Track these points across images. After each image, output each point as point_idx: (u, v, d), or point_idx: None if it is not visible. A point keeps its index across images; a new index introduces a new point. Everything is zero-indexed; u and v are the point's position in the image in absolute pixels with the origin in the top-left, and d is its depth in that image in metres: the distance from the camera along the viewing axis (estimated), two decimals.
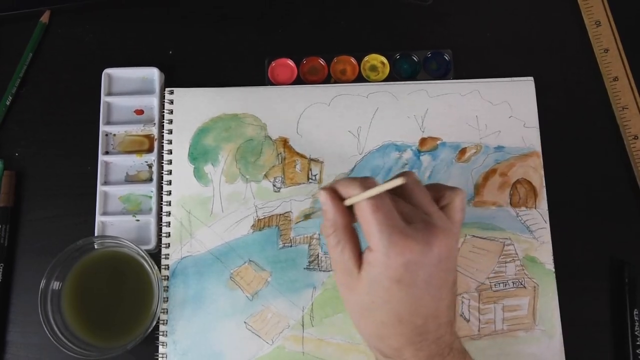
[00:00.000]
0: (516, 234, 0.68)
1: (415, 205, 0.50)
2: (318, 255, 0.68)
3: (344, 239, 0.50)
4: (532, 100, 0.72)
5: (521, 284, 0.67)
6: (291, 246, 0.68)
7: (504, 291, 0.67)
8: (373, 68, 0.75)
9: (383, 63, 0.75)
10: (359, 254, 0.50)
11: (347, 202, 0.50)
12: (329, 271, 0.68)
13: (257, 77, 0.75)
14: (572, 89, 0.74)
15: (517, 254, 0.68)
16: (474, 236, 0.68)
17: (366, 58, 0.75)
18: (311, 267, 0.68)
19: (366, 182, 0.48)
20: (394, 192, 0.49)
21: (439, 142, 0.71)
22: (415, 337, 0.49)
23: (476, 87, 0.72)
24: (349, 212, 0.50)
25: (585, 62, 0.75)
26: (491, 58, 0.75)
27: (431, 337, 0.49)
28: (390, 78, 0.74)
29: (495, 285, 0.67)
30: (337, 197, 0.50)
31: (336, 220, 0.50)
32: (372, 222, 0.47)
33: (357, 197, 0.48)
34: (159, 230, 0.69)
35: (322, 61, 0.75)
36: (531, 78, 0.72)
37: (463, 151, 0.70)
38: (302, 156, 0.71)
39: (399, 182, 0.46)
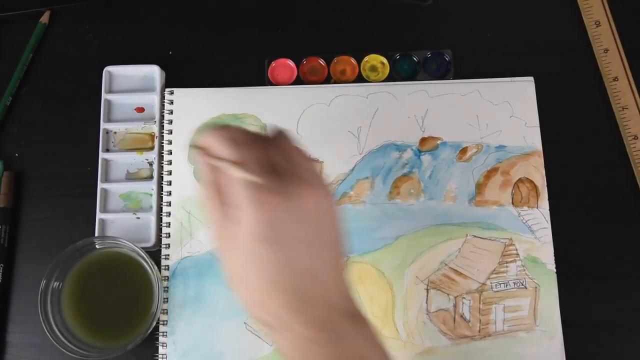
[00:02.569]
0: (517, 234, 0.68)
1: (286, 157, 0.47)
2: None
3: (210, 191, 0.48)
4: (533, 100, 0.72)
5: (522, 285, 0.67)
6: None
7: (505, 292, 0.67)
8: (373, 68, 0.75)
9: (383, 63, 0.74)
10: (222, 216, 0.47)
11: (214, 163, 0.47)
12: None
13: (257, 77, 0.75)
14: (572, 89, 0.74)
15: (518, 254, 0.68)
16: (475, 236, 0.68)
17: (366, 58, 0.75)
18: None
19: (235, 147, 0.46)
20: (266, 141, 0.48)
21: (439, 141, 0.71)
22: (296, 301, 0.45)
23: (476, 87, 0.72)
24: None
25: (585, 62, 0.75)
26: (491, 58, 0.75)
27: (314, 301, 0.45)
28: (390, 78, 0.74)
29: (496, 285, 0.67)
30: (202, 150, 0.48)
31: (207, 176, 0.48)
32: (237, 179, 0.45)
33: (220, 163, 0.46)
34: (159, 228, 0.69)
35: (322, 61, 0.75)
36: (531, 78, 0.72)
37: (464, 150, 0.70)
38: None
39: (254, 179, 0.44)
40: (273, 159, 0.47)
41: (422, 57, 0.75)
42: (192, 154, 0.50)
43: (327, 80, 0.74)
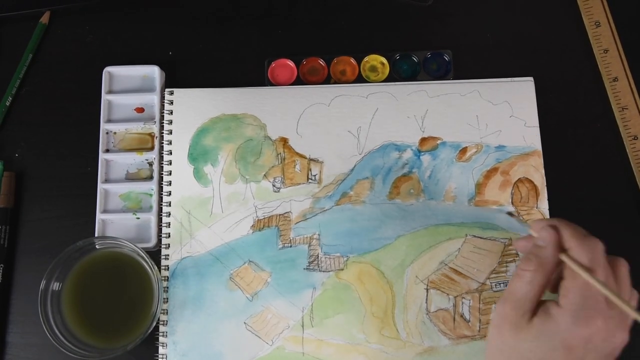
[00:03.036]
0: (517, 234, 0.68)
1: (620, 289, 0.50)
2: (318, 255, 0.68)
3: (541, 279, 0.49)
4: (532, 100, 0.72)
5: None
6: (291, 246, 0.68)
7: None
8: (373, 69, 0.75)
9: (383, 64, 0.74)
10: (539, 299, 0.50)
11: (568, 262, 0.49)
12: (329, 272, 0.67)
13: (257, 77, 0.75)
14: (572, 89, 0.74)
15: (517, 254, 0.68)
16: (474, 236, 0.68)
17: (366, 59, 0.75)
18: (311, 267, 0.68)
19: (595, 257, 0.48)
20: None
21: (439, 141, 0.71)
22: None
23: (476, 87, 0.72)
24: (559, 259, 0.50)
25: (585, 62, 0.75)
26: (491, 58, 0.75)
27: None
28: (390, 79, 0.74)
29: (495, 285, 0.67)
30: (559, 241, 0.50)
31: (547, 258, 0.50)
32: (579, 282, 0.47)
33: (577, 268, 0.48)
34: (160, 228, 0.69)
35: (321, 62, 0.75)
36: (531, 78, 0.72)
37: (464, 150, 0.70)
38: (301, 156, 0.71)
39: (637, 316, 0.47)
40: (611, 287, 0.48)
41: (422, 57, 0.75)
42: (550, 241, 0.50)
43: (327, 80, 0.74)
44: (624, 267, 0.51)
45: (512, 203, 0.69)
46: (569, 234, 0.50)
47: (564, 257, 0.49)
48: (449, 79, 0.73)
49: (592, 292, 0.47)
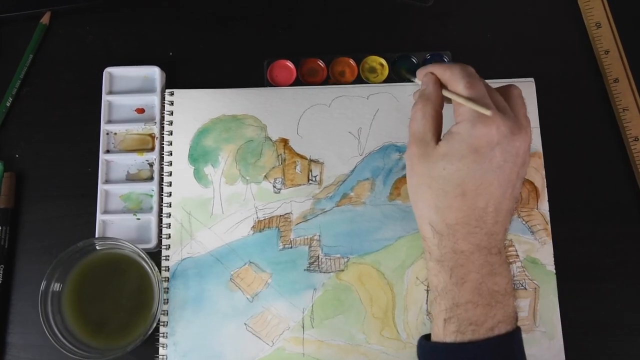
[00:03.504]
0: (517, 235, 0.68)
1: (511, 105, 0.55)
2: (318, 256, 0.68)
3: (430, 110, 0.55)
4: (533, 101, 0.72)
5: (522, 286, 0.67)
6: (291, 247, 0.68)
7: None
8: (372, 70, 0.75)
9: (382, 65, 0.74)
10: (438, 132, 0.55)
11: (446, 94, 0.56)
12: (329, 273, 0.67)
13: (257, 78, 0.75)
14: (572, 90, 0.74)
15: (518, 255, 0.68)
16: None
17: (365, 59, 0.75)
18: (311, 268, 0.68)
19: (472, 82, 0.53)
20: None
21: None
22: (472, 219, 0.51)
23: None
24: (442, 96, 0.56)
25: (586, 63, 0.75)
26: (492, 59, 0.75)
27: (486, 228, 0.52)
28: (389, 80, 0.74)
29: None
30: (437, 79, 0.57)
31: (430, 94, 0.56)
32: (464, 96, 0.52)
33: (457, 97, 0.53)
34: (160, 229, 0.69)
35: (321, 63, 0.75)
36: (532, 79, 0.72)
37: None
38: (302, 157, 0.71)
39: (486, 112, 0.50)
40: (496, 100, 0.54)
41: (421, 58, 0.74)
42: (427, 79, 0.57)
43: (326, 81, 0.74)
44: (515, 90, 0.57)
45: None
46: (441, 72, 0.56)
47: (444, 92, 0.56)
48: None
49: (477, 96, 0.52)
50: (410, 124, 0.57)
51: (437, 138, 0.54)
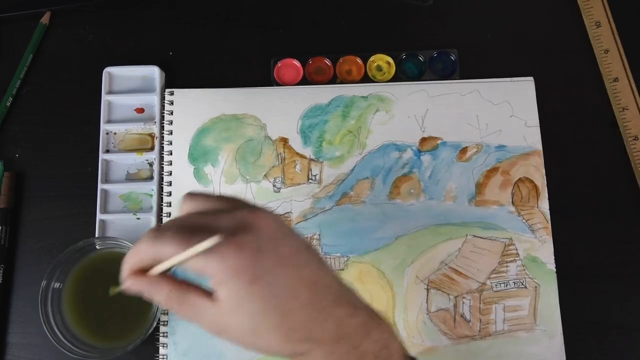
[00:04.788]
0: (517, 234, 0.68)
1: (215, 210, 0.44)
2: None
3: (185, 300, 0.44)
4: (533, 100, 0.72)
5: (522, 284, 0.67)
6: None
7: (505, 291, 0.67)
8: (379, 68, 0.75)
9: (389, 63, 0.74)
10: (202, 292, 0.44)
11: (156, 271, 0.44)
12: None
13: (263, 77, 0.75)
14: (572, 90, 0.74)
15: (518, 254, 0.68)
16: (475, 236, 0.68)
17: (372, 58, 0.75)
18: None
19: (156, 244, 0.42)
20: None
21: (439, 141, 0.71)
22: (299, 340, 0.43)
23: (476, 87, 0.72)
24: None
25: (586, 63, 0.75)
26: (492, 59, 0.75)
27: (328, 339, 0.43)
28: (396, 78, 0.74)
29: (496, 285, 0.67)
30: (142, 273, 0.44)
31: (165, 294, 0.44)
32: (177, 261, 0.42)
33: (166, 264, 0.43)
34: None
35: (327, 61, 0.75)
36: (531, 78, 0.72)
37: (464, 150, 0.70)
38: (302, 156, 0.71)
39: (207, 244, 0.40)
40: (207, 213, 0.44)
41: (428, 56, 0.74)
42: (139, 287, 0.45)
43: (333, 80, 0.74)
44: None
45: (513, 203, 0.69)
46: (134, 256, 0.44)
47: (157, 270, 0.44)
48: (455, 79, 0.73)
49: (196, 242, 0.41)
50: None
51: (207, 294, 0.44)
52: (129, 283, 0.45)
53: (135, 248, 0.44)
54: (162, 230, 0.43)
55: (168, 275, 0.44)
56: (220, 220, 0.42)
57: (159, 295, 0.44)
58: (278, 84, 0.74)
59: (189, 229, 0.42)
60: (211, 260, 0.41)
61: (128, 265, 0.44)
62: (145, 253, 0.43)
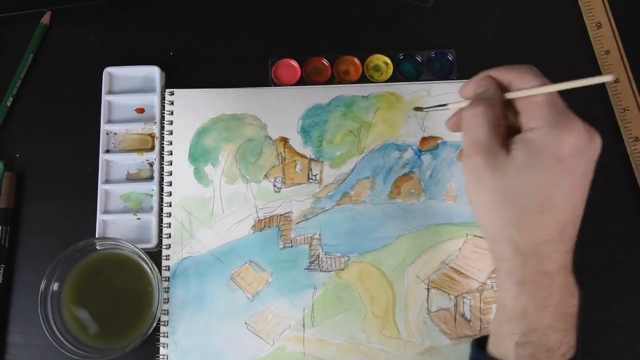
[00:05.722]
0: None
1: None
2: (319, 255, 0.68)
3: (493, 115, 0.47)
4: None
5: None
6: (292, 247, 0.68)
7: None
8: (377, 68, 0.75)
9: (386, 63, 0.75)
10: (504, 140, 0.47)
11: (512, 96, 0.49)
12: (330, 272, 0.67)
13: (261, 78, 0.75)
14: (573, 91, 0.74)
15: None
16: (475, 236, 0.68)
17: (369, 58, 0.75)
18: (312, 267, 0.68)
19: (538, 76, 0.48)
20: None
21: (439, 141, 0.71)
22: (557, 235, 0.46)
23: None
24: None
25: (587, 63, 0.75)
26: (492, 59, 0.74)
27: (567, 244, 0.47)
28: (393, 78, 0.74)
29: (496, 285, 0.67)
30: (497, 82, 0.50)
31: (492, 96, 0.49)
32: (540, 98, 0.47)
33: (529, 91, 0.47)
34: (160, 228, 0.69)
35: (325, 62, 0.75)
36: None
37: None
38: (302, 156, 0.71)
39: (608, 78, 0.47)
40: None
41: (425, 57, 0.75)
42: (486, 84, 0.50)
43: (331, 80, 0.74)
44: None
45: None
46: (504, 74, 0.50)
47: (510, 95, 0.49)
48: (453, 79, 0.73)
49: (556, 101, 0.47)
50: (466, 131, 0.49)
51: (505, 147, 0.47)
52: (482, 75, 0.51)
53: (496, 69, 0.50)
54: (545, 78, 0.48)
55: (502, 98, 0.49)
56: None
57: (484, 93, 0.49)
58: (276, 84, 0.74)
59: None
60: (554, 121, 0.46)
61: (484, 72, 0.51)
62: (506, 73, 0.49)
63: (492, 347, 0.49)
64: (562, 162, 0.45)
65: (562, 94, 0.72)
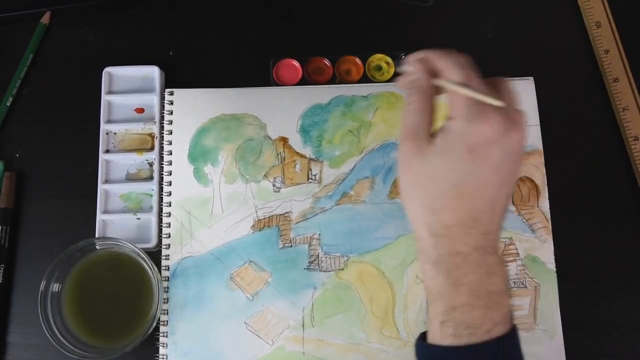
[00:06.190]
0: (518, 233, 0.68)
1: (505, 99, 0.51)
2: (318, 255, 0.68)
3: (423, 101, 0.52)
4: (533, 100, 0.72)
5: (522, 284, 0.67)
6: (291, 246, 0.68)
7: None
8: (378, 68, 0.75)
9: (388, 63, 0.75)
10: (430, 128, 0.51)
11: (438, 83, 0.52)
12: (329, 271, 0.67)
13: (262, 78, 0.75)
14: (573, 90, 0.74)
15: (518, 253, 0.68)
16: None
17: (371, 58, 0.75)
18: (311, 267, 0.68)
19: (469, 74, 0.51)
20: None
21: None
22: (469, 220, 0.49)
23: None
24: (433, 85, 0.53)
25: (586, 63, 0.75)
26: (492, 59, 0.75)
27: (482, 228, 0.49)
28: (395, 78, 0.74)
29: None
30: (428, 68, 0.53)
31: (424, 84, 0.53)
32: (462, 94, 0.49)
33: (458, 89, 0.50)
34: (160, 228, 0.69)
35: (327, 61, 0.75)
36: (531, 78, 0.72)
37: None
38: (302, 156, 0.71)
39: (497, 103, 0.48)
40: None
41: None
42: (420, 69, 0.54)
43: (332, 80, 0.74)
44: (505, 83, 0.53)
45: (513, 202, 0.69)
46: (436, 61, 0.53)
47: (437, 82, 0.52)
48: None
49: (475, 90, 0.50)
50: (402, 119, 0.54)
51: (429, 134, 0.51)
52: (416, 56, 0.55)
53: (432, 52, 0.54)
54: (472, 68, 0.52)
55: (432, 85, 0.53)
56: (505, 99, 0.50)
57: (418, 81, 0.54)
58: (277, 84, 0.74)
59: (480, 84, 0.51)
60: (468, 113, 0.49)
61: (420, 53, 0.55)
62: (439, 60, 0.53)
63: (428, 333, 0.52)
64: (474, 152, 0.48)
65: (560, 90, 0.72)
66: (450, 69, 0.52)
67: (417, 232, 0.52)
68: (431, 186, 0.50)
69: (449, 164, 0.49)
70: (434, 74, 0.53)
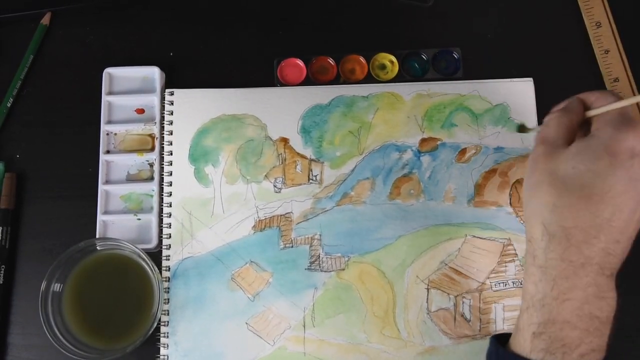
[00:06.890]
0: (516, 235, 0.68)
1: None
2: (319, 255, 0.68)
3: (567, 120, 0.53)
4: (532, 101, 0.72)
5: (521, 284, 0.67)
6: (292, 247, 0.68)
7: (504, 291, 0.67)
8: (382, 67, 0.75)
9: (392, 62, 0.74)
10: (570, 141, 0.51)
11: (590, 114, 0.53)
12: (330, 272, 0.68)
13: (266, 77, 0.75)
14: (573, 90, 0.73)
15: (516, 254, 0.68)
16: (474, 236, 0.68)
17: (375, 57, 0.75)
18: (312, 267, 0.68)
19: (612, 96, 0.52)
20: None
21: (439, 142, 0.71)
22: (592, 226, 0.47)
23: (475, 87, 0.72)
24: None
25: (586, 63, 0.75)
26: (492, 59, 0.75)
27: (604, 243, 0.47)
28: (399, 77, 0.74)
29: (495, 285, 0.67)
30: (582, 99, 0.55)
31: (572, 107, 0.54)
32: (610, 112, 0.50)
33: (610, 106, 0.51)
34: (160, 229, 0.69)
35: (331, 61, 0.75)
36: (530, 79, 0.72)
37: (463, 151, 0.70)
38: (302, 156, 0.71)
39: None
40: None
41: (430, 54, 0.74)
42: (571, 99, 0.56)
43: (337, 79, 0.74)
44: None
45: (511, 204, 0.69)
46: (589, 96, 0.54)
47: (591, 112, 0.53)
48: (459, 77, 0.73)
49: (625, 110, 0.50)
50: (542, 128, 0.55)
51: (566, 143, 0.51)
52: (554, 110, 0.56)
53: (601, 91, 0.54)
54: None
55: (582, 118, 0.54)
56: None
57: (567, 105, 0.55)
58: (282, 84, 0.74)
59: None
60: (617, 121, 0.49)
61: (564, 102, 0.56)
62: (587, 97, 0.54)
63: (512, 340, 0.50)
64: (614, 156, 0.47)
65: (560, 90, 0.72)
66: (604, 96, 0.52)
67: (530, 232, 0.50)
68: (559, 184, 0.49)
69: (584, 163, 0.48)
70: (586, 107, 0.54)
